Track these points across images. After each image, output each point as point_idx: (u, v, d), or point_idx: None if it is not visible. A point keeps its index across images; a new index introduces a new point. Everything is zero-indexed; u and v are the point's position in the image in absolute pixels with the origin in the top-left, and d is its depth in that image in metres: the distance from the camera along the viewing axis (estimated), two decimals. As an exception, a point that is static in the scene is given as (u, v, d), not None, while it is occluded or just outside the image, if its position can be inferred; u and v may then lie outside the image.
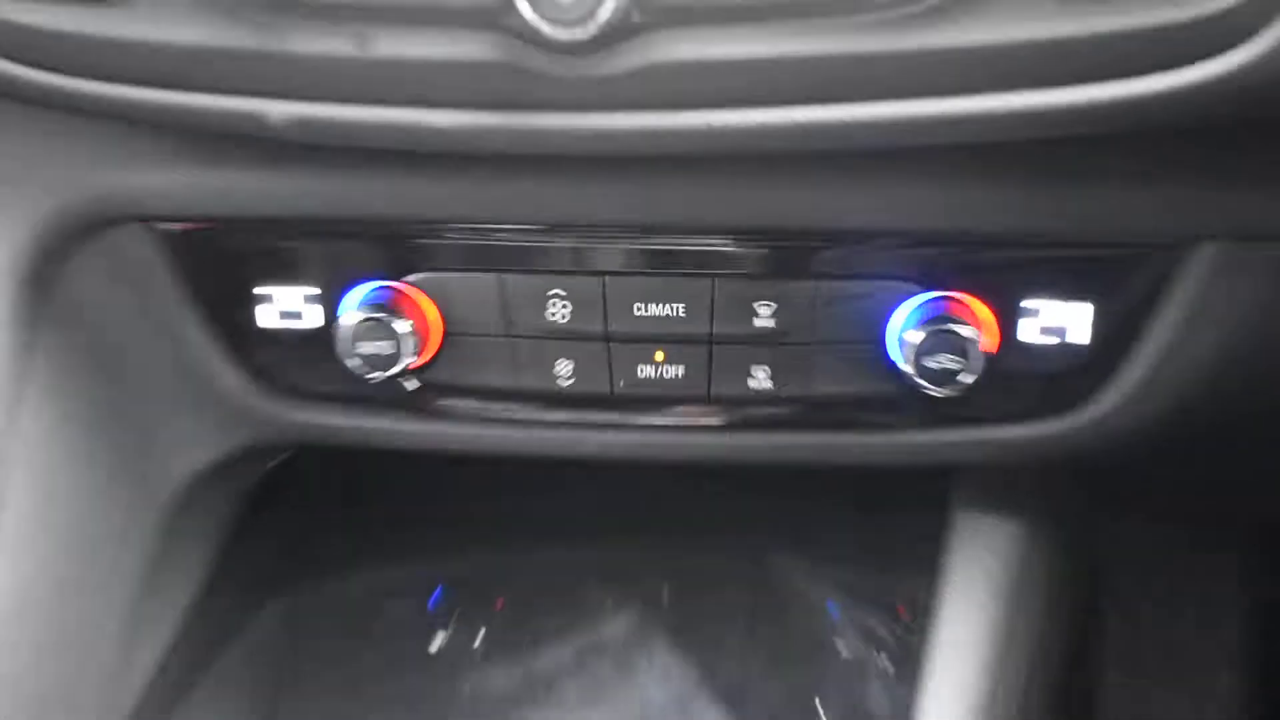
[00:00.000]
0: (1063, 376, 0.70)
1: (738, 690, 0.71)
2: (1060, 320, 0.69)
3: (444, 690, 0.73)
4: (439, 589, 0.79)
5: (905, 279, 0.68)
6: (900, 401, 0.69)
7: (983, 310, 0.68)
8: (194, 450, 0.80)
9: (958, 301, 0.68)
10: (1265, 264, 0.65)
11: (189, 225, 0.72)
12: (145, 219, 0.71)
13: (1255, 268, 0.66)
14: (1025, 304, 0.68)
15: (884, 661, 0.72)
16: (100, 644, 0.75)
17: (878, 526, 0.78)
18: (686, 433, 0.73)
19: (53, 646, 0.72)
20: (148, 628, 0.78)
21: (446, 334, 0.72)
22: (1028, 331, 0.69)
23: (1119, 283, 0.67)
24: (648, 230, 0.68)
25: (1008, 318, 0.68)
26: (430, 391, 0.74)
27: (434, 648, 0.75)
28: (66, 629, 0.73)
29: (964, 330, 0.66)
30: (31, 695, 0.70)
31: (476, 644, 0.75)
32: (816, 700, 0.71)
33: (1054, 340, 0.69)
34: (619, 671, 0.73)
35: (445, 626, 0.76)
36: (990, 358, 0.68)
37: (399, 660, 0.75)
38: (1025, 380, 0.70)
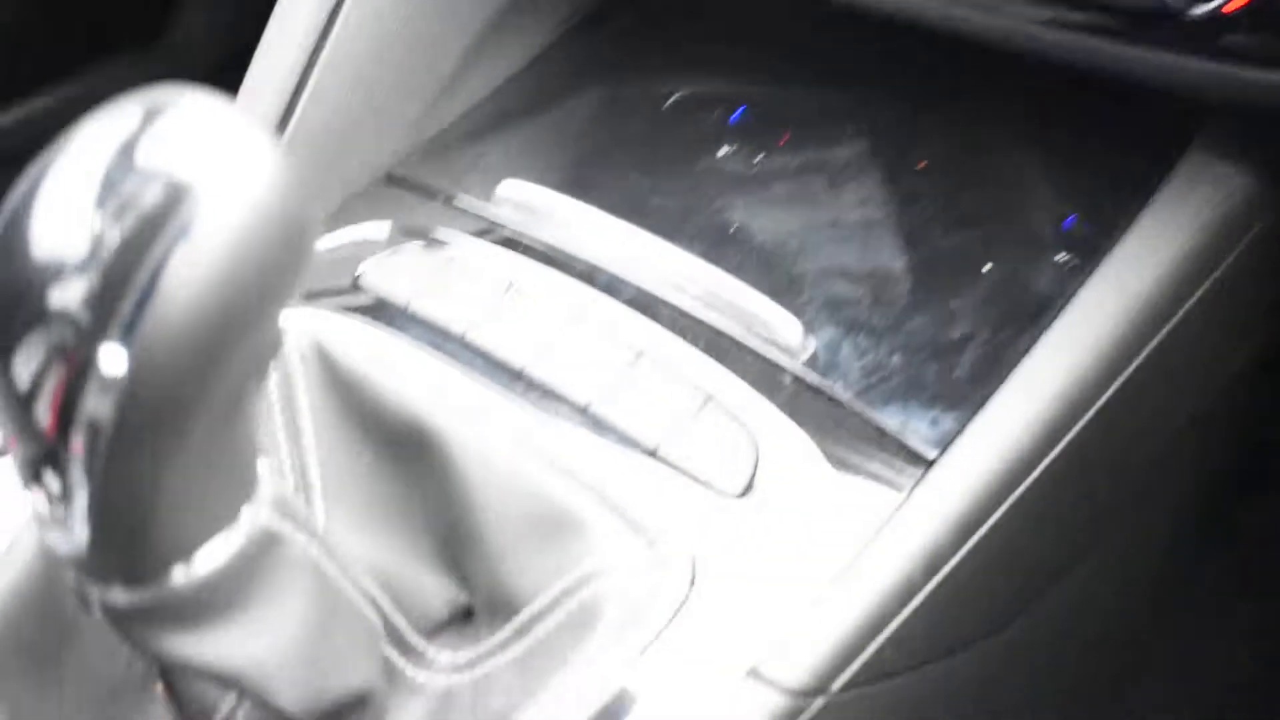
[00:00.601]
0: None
1: (918, 233, 0.79)
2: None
3: (697, 170, 0.85)
4: (740, 112, 0.90)
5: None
6: (1162, 19, 0.71)
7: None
8: None
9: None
10: None
11: None
12: None
13: None
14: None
15: (1065, 256, 0.76)
16: (428, 71, 0.92)
17: (1113, 148, 0.81)
18: (968, 7, 0.79)
19: (391, 57, 0.89)
20: (470, 76, 0.94)
21: None
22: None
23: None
24: None
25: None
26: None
27: (718, 151, 0.87)
28: (410, 46, 0.90)
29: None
30: (363, 90, 0.88)
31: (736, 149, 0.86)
32: (985, 265, 0.77)
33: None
34: (827, 189, 0.82)
35: (727, 136, 0.88)
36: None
37: (681, 143, 0.87)
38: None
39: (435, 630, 0.69)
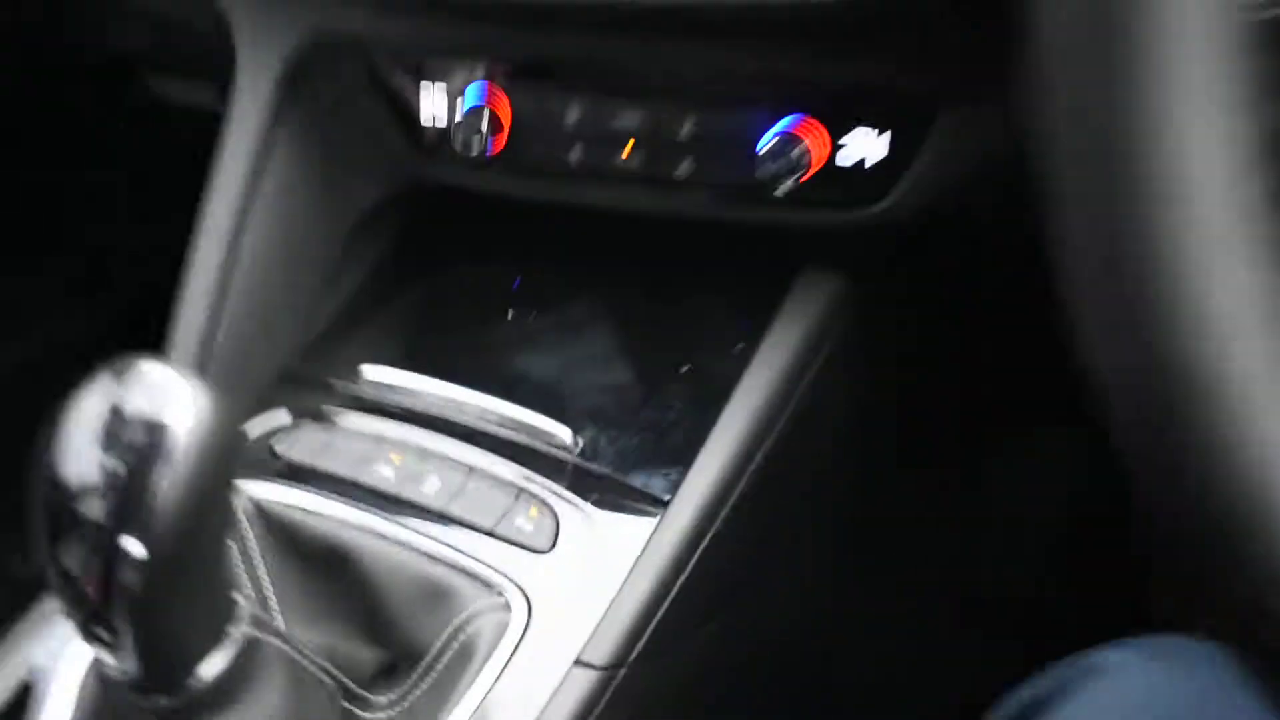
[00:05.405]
0: (869, 179, 0.95)
1: (639, 357, 1.12)
2: (869, 142, 0.94)
3: (496, 334, 1.16)
4: (516, 282, 1.21)
5: (773, 107, 0.94)
6: (767, 188, 0.96)
7: (821, 132, 0.98)
8: (373, 188, 1.17)
9: (806, 124, 0.97)
10: (989, 122, 0.88)
11: (381, 54, 1.05)
12: (356, 49, 1.04)
13: (982, 124, 0.89)
14: (847, 129, 0.94)
15: (730, 361, 1.06)
16: (303, 293, 1.15)
17: (759, 279, 1.10)
18: (647, 196, 1.04)
19: (276, 288, 1.12)
20: (333, 291, 1.18)
21: (513, 125, 1.09)
22: (848, 148, 0.95)
23: (902, 123, 0.92)
24: (612, 73, 0.98)
25: (836, 137, 0.94)
26: (506, 162, 1.06)
27: (506, 317, 1.19)
28: (288, 278, 1.13)
29: (797, 145, 0.97)
30: (260, 314, 1.11)
31: (519, 316, 1.19)
32: (684, 369, 1.10)
33: (863, 155, 0.94)
34: (577, 336, 1.15)
35: (510, 305, 1.19)
36: (824, 165, 0.99)
37: (483, 317, 1.17)
38: (846, 181, 0.95)
39: (372, 683, 0.87)
